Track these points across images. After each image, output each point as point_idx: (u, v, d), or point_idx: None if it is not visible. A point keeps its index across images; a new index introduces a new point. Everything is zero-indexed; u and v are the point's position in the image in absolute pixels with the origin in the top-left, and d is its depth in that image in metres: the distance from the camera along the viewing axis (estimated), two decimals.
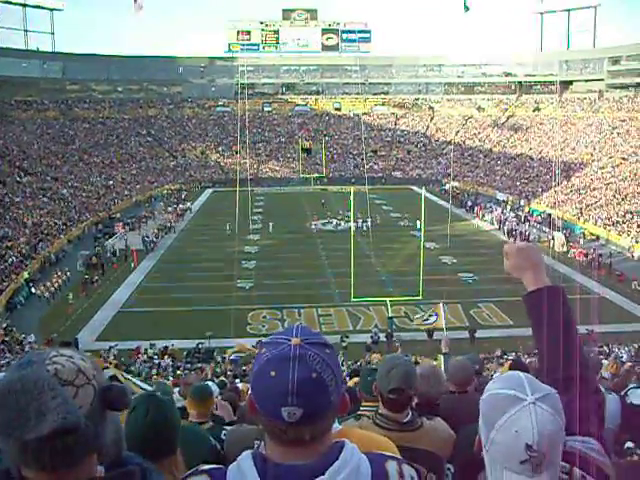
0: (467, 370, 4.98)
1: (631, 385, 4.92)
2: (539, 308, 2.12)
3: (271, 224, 52.99)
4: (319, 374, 1.43)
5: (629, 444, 3.32)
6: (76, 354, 1.42)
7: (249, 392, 1.54)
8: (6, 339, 28.13)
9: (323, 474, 1.44)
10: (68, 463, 1.35)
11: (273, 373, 1.43)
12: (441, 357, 9.05)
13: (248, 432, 3.79)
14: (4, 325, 30.04)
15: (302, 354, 1.44)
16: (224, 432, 4.11)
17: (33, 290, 36.99)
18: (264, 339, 1.56)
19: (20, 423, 1.25)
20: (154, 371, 23.25)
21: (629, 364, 12.15)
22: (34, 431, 1.25)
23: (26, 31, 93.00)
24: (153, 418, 2.51)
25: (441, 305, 32.35)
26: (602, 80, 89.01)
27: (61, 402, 1.27)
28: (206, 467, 1.61)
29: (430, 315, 31.63)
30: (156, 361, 25.87)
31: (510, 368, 6.19)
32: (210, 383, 5.92)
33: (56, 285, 37.57)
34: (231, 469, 1.52)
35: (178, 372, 21.34)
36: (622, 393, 4.84)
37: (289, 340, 1.47)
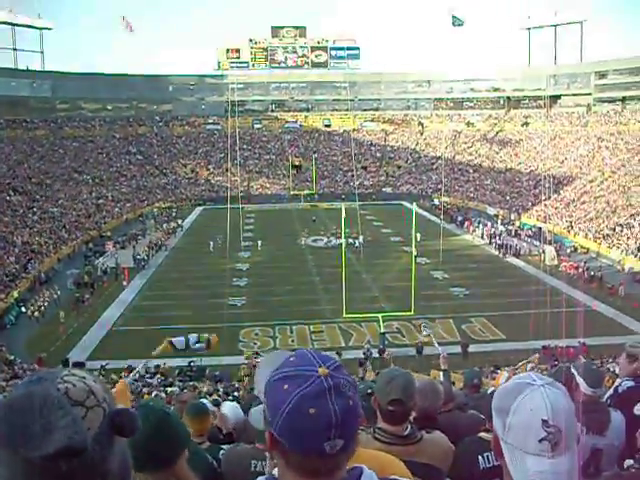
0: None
1: (625, 378, 4.84)
2: None
3: (259, 242, 52.87)
4: (353, 399, 1.37)
5: (629, 462, 3.29)
6: (89, 375, 1.38)
7: (271, 431, 1.41)
8: None
9: None
10: None
11: (313, 410, 1.33)
12: (439, 373, 9.08)
13: (245, 452, 3.75)
14: None
15: (336, 384, 1.36)
16: (222, 452, 4.07)
17: (23, 309, 36.79)
18: (281, 373, 1.43)
19: (25, 440, 1.20)
20: (145, 390, 23.08)
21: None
22: (39, 449, 1.19)
23: (15, 50, 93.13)
24: (146, 428, 2.44)
25: (427, 324, 32.51)
26: (590, 94, 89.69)
27: (69, 422, 1.22)
28: None
29: (424, 328, 31.67)
30: (148, 380, 25.69)
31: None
32: (205, 401, 5.88)
33: (46, 304, 37.35)
34: None
35: (170, 390, 21.18)
36: (616, 385, 4.80)
37: (315, 371, 1.38)
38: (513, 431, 1.57)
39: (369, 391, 3.63)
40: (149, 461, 2.42)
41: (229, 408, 6.28)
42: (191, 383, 23.81)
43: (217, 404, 11.26)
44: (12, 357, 28.78)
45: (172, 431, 2.54)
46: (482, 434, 3.50)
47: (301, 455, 1.38)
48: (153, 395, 18.45)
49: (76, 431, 1.22)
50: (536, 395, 1.55)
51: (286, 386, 1.38)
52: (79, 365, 25.12)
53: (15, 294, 38.12)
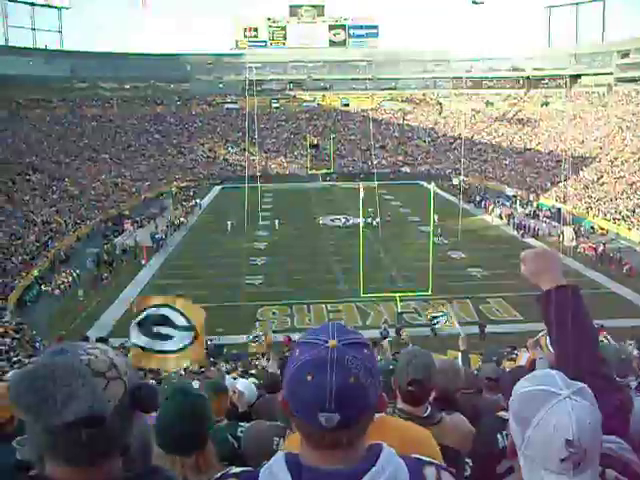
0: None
1: None
2: (550, 308, 2.13)
3: (277, 221, 52.90)
4: (358, 378, 1.37)
5: None
6: (111, 349, 1.42)
7: (282, 392, 1.47)
8: (17, 336, 28.20)
9: None
10: (91, 458, 1.34)
11: (310, 378, 1.36)
12: (457, 354, 9.09)
13: (267, 429, 3.77)
14: (14, 322, 30.12)
15: (340, 357, 1.37)
16: (240, 429, 4.09)
17: (43, 288, 37.12)
18: (300, 340, 1.48)
19: (47, 407, 1.25)
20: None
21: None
22: (60, 416, 1.24)
23: (34, 29, 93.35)
24: (181, 411, 2.49)
25: (449, 305, 32.31)
26: (611, 74, 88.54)
27: (90, 391, 1.27)
28: (236, 470, 1.55)
29: (440, 315, 31.09)
30: None
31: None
32: (227, 376, 5.94)
33: (66, 283, 37.68)
34: (263, 472, 1.45)
35: (190, 367, 21.31)
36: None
37: (326, 342, 1.40)
38: (533, 445, 1.50)
39: (390, 367, 3.64)
40: (184, 443, 2.46)
41: (244, 386, 6.33)
42: (210, 360, 23.99)
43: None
44: (34, 333, 29.08)
45: (207, 414, 2.57)
46: (501, 413, 3.50)
47: (302, 422, 1.42)
48: (172, 375, 18.55)
49: (96, 400, 1.28)
50: (561, 409, 1.47)
51: (298, 351, 1.43)
52: (102, 341, 25.44)
53: (35, 272, 38.45)
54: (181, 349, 6.29)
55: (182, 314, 6.24)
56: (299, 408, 1.40)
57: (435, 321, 28.45)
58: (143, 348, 6.21)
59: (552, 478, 1.48)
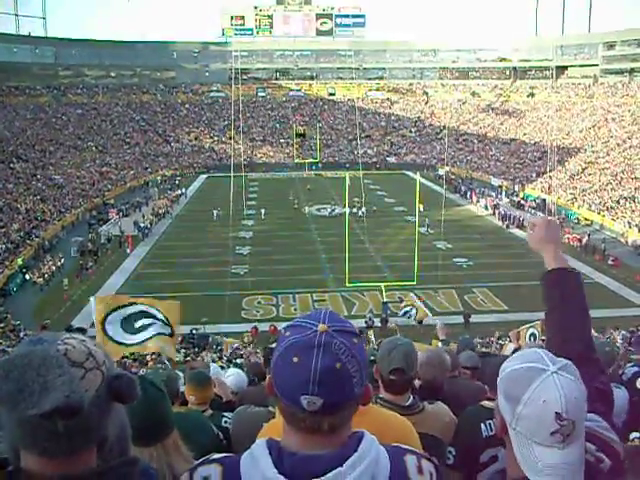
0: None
1: (629, 365, 4.94)
2: (558, 288, 2.16)
3: (262, 210, 52.94)
4: (343, 364, 1.38)
5: (635, 434, 3.32)
6: (89, 339, 1.40)
7: (269, 373, 1.48)
8: (1, 326, 28.05)
9: (341, 465, 1.39)
10: (67, 449, 1.31)
11: (296, 359, 1.37)
12: (438, 343, 9.16)
13: (256, 415, 3.75)
14: None
15: (327, 342, 1.38)
16: (225, 419, 4.08)
17: (27, 277, 36.92)
18: (292, 322, 1.49)
19: (23, 397, 1.23)
20: (149, 356, 23.20)
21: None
22: (36, 406, 1.22)
23: (17, 15, 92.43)
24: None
25: (412, 296, 32.42)
26: (597, 65, 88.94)
27: (66, 381, 1.25)
28: (217, 456, 1.54)
29: (409, 309, 30.74)
30: None
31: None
32: (214, 365, 5.94)
33: (50, 272, 37.47)
34: (244, 457, 1.46)
35: (177, 358, 21.31)
36: (620, 372, 4.88)
37: (315, 326, 1.41)
38: (523, 421, 1.55)
39: (372, 358, 3.64)
40: (144, 433, 2.41)
41: (234, 374, 6.33)
42: (195, 349, 24.01)
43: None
44: (18, 323, 28.92)
45: (160, 405, 2.53)
46: (484, 402, 3.51)
47: (285, 403, 1.43)
48: (158, 365, 18.57)
49: (73, 390, 1.25)
50: (549, 384, 1.52)
51: (288, 333, 1.44)
52: (81, 331, 25.27)
53: (19, 261, 38.23)
54: (160, 334, 6.62)
55: (159, 311, 6.51)
56: (283, 389, 1.41)
57: (408, 315, 28.64)
58: (118, 342, 6.45)
59: (543, 450, 1.53)
